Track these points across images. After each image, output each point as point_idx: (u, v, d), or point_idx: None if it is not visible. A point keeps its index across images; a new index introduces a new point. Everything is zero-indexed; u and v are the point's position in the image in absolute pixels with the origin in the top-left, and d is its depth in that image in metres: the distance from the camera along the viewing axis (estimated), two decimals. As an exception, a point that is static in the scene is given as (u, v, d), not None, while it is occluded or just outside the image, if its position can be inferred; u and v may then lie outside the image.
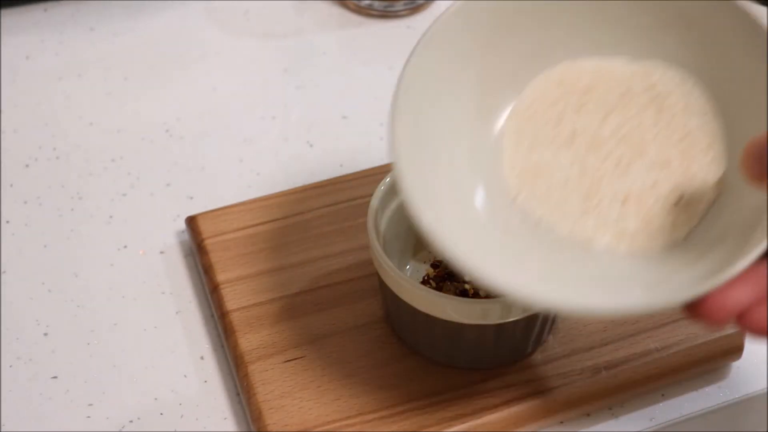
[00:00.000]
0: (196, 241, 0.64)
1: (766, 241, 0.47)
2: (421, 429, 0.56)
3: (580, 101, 0.55)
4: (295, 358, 0.59)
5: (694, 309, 0.47)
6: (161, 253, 0.66)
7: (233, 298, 0.61)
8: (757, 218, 0.49)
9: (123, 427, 0.59)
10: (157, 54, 0.77)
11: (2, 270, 0.65)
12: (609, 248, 0.52)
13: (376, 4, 0.79)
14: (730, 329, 0.60)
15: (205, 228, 0.64)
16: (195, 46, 0.78)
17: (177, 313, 0.64)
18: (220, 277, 0.62)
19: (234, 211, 0.65)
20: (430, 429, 0.56)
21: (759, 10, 0.54)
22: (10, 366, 0.61)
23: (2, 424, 0.59)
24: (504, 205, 0.54)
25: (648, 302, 0.48)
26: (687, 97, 0.55)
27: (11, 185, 0.70)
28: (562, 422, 0.59)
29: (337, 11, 0.80)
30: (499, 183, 0.55)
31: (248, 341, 0.60)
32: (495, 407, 0.57)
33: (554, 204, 0.54)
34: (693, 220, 0.53)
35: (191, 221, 0.65)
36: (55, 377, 0.61)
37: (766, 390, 0.61)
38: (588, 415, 0.59)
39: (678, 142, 0.54)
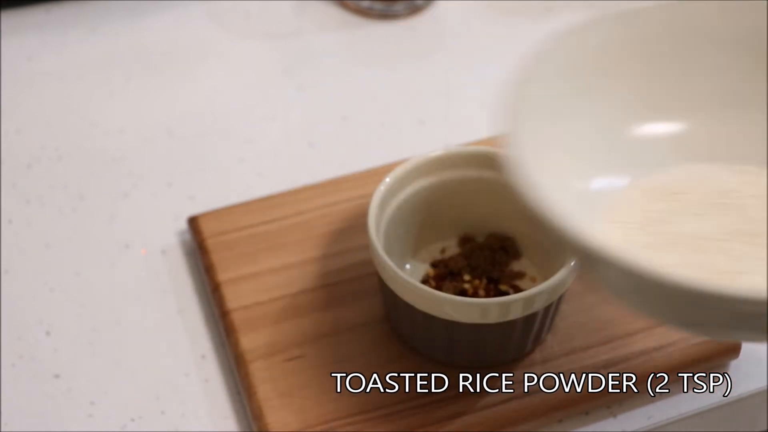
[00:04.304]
0: (198, 241, 0.64)
1: None
2: (420, 427, 0.57)
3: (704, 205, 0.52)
4: (296, 357, 0.59)
5: None
6: (162, 252, 0.66)
7: (234, 298, 0.62)
8: None
9: (124, 426, 0.59)
10: (158, 55, 0.77)
11: (5, 269, 0.66)
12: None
13: (376, 5, 0.79)
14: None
15: (207, 228, 0.64)
16: (196, 47, 0.78)
17: (178, 312, 0.64)
18: (221, 276, 0.62)
19: (235, 211, 0.65)
20: (430, 427, 0.57)
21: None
22: (12, 365, 0.62)
23: (4, 422, 0.59)
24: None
25: None
26: None
27: (13, 185, 0.70)
28: (560, 421, 0.59)
29: (337, 12, 0.80)
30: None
31: (249, 340, 0.60)
32: (494, 405, 0.57)
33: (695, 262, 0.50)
34: None
35: (193, 221, 0.65)
36: (57, 376, 0.61)
37: (765, 388, 0.61)
38: (587, 413, 0.59)
39: None
